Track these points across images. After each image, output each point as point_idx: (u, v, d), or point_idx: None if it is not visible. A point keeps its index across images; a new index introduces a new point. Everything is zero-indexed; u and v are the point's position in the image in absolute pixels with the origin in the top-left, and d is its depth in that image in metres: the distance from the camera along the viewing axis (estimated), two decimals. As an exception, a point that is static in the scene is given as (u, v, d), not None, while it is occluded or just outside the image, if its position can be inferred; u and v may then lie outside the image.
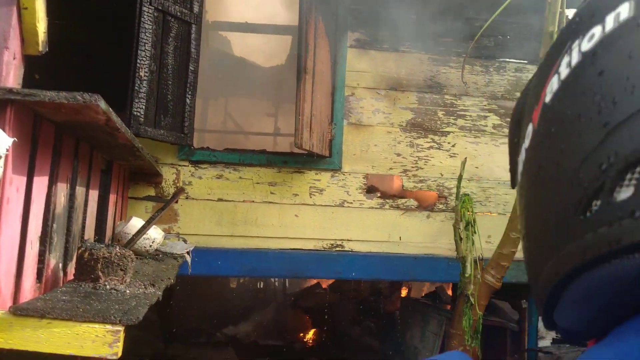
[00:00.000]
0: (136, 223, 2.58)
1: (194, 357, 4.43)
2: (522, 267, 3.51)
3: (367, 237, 3.49)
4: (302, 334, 6.58)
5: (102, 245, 1.62)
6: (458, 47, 3.69)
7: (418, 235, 3.56)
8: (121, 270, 1.56)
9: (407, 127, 3.60)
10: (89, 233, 2.14)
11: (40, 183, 1.47)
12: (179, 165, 3.26)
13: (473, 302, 3.08)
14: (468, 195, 3.31)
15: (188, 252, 2.96)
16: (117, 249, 1.57)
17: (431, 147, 3.63)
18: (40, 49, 1.59)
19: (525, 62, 3.78)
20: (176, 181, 3.23)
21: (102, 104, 1.24)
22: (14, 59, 1.46)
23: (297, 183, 3.42)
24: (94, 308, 1.24)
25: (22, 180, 1.36)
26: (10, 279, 1.31)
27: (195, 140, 3.32)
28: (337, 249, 3.45)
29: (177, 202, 3.22)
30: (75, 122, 1.46)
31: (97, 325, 1.20)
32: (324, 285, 6.98)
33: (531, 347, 3.72)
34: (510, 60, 3.77)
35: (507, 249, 3.09)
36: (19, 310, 1.19)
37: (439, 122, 3.65)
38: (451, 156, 3.64)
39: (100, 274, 1.51)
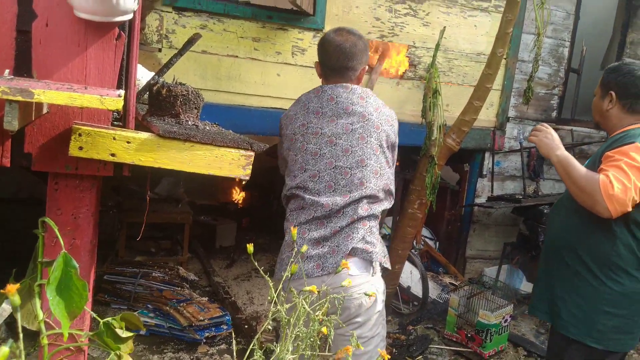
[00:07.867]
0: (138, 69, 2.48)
1: (152, 209, 4.53)
2: (471, 135, 3.93)
3: (343, 99, 3.63)
4: (236, 195, 6.90)
5: (173, 83, 1.61)
6: None
7: (387, 100, 3.72)
8: (195, 108, 1.59)
9: (388, -9, 3.62)
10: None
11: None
12: (162, 11, 3.05)
13: (436, 162, 3.45)
14: (435, 65, 3.53)
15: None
16: (192, 88, 1.58)
17: (407, 13, 3.71)
18: None
19: None
20: (159, 28, 3.04)
21: None
22: None
23: (280, 41, 3.38)
24: (223, 136, 1.31)
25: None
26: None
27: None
28: (315, 109, 3.57)
29: (160, 50, 3.08)
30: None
31: (233, 150, 1.29)
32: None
33: (469, 204, 4.33)
34: None
35: (469, 115, 3.42)
36: (167, 133, 1.22)
37: (417, -11, 3.70)
38: (424, 25, 3.77)
39: (180, 110, 1.54)
